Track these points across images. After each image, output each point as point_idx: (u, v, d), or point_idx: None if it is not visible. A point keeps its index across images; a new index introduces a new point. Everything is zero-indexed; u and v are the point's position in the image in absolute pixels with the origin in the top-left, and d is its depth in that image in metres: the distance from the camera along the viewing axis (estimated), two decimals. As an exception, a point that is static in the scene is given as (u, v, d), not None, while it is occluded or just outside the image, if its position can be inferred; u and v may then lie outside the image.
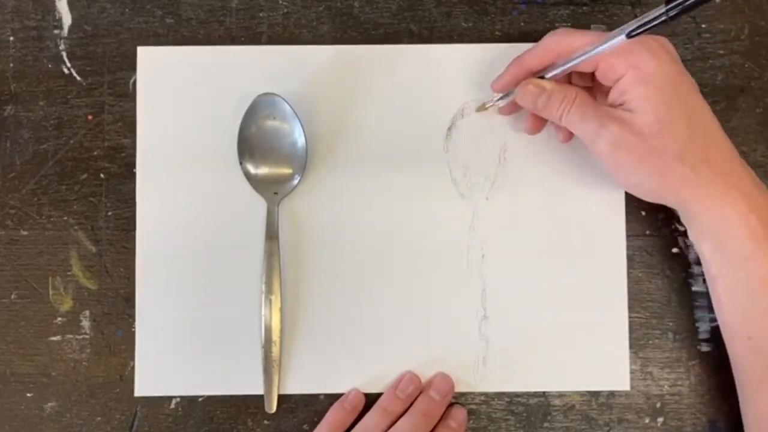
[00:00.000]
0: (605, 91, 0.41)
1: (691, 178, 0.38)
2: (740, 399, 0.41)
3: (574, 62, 0.40)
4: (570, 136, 0.44)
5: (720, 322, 0.41)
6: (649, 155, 0.38)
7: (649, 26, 0.35)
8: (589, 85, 0.43)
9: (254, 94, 0.44)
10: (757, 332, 0.39)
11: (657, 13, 0.34)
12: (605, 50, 0.38)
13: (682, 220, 0.41)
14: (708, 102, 0.46)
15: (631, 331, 0.45)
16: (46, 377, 0.45)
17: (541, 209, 0.45)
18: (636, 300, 0.45)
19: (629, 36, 0.36)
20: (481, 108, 0.45)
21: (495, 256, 0.45)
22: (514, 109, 0.45)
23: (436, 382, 0.44)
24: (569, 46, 0.40)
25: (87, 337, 0.45)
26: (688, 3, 0.32)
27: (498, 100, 0.44)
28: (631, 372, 0.45)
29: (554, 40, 0.41)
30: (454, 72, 0.46)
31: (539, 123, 0.44)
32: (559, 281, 0.45)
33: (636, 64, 0.38)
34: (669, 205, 0.41)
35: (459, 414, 0.44)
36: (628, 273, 0.45)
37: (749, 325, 0.39)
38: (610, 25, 0.46)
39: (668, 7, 0.33)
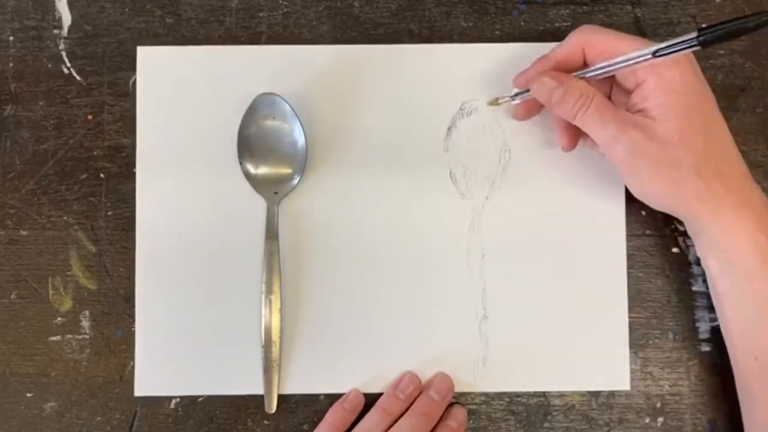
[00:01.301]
0: (623, 91, 0.41)
1: (704, 191, 0.38)
2: (748, 425, 0.40)
3: (597, 72, 0.40)
4: (573, 144, 0.43)
5: (727, 342, 0.41)
6: (666, 165, 0.38)
7: (677, 49, 0.34)
8: (608, 89, 0.42)
9: (254, 94, 0.44)
10: (764, 353, 0.38)
11: (688, 38, 0.34)
12: (629, 65, 0.38)
13: (690, 233, 0.41)
14: (708, 102, 0.46)
15: (631, 331, 0.45)
16: (46, 377, 0.45)
17: (541, 209, 0.45)
18: (636, 300, 0.45)
19: (655, 55, 0.36)
20: (494, 102, 0.45)
21: (495, 256, 0.45)
22: (527, 113, 0.44)
23: (436, 382, 0.44)
24: (594, 44, 0.40)
25: (87, 337, 0.45)
26: (719, 32, 0.32)
27: (513, 95, 0.44)
28: (631, 372, 0.45)
29: (579, 38, 0.41)
30: (454, 72, 0.46)
31: (573, 136, 0.43)
32: (559, 281, 0.45)
33: (659, 71, 0.38)
34: (678, 216, 0.41)
35: (459, 414, 0.44)
36: (628, 273, 0.45)
37: (756, 343, 0.39)
38: (610, 25, 0.46)
39: (699, 34, 0.33)
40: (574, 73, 0.41)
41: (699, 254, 0.41)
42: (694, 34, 0.33)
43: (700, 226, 0.39)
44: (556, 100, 0.40)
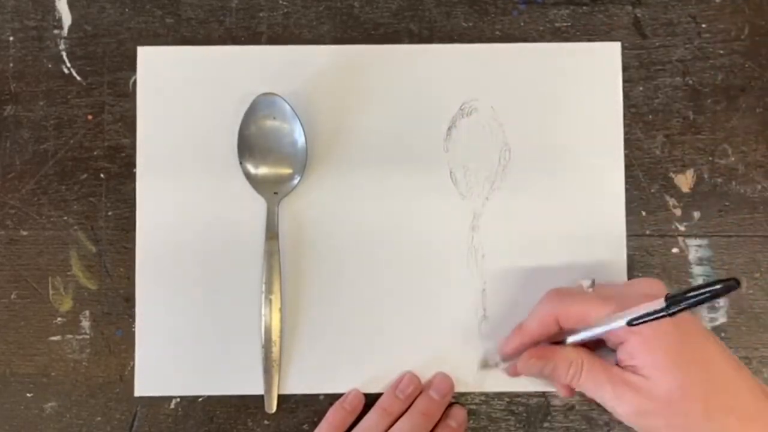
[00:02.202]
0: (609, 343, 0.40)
1: None
2: None
3: (577, 341, 0.40)
4: (572, 393, 0.42)
5: None
6: (675, 419, 0.37)
7: (649, 318, 0.34)
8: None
9: (254, 94, 0.44)
10: None
11: (658, 307, 0.34)
12: (604, 333, 0.38)
13: None
14: (708, 102, 0.46)
15: (631, 331, 0.45)
16: (46, 377, 0.45)
17: (541, 209, 0.45)
18: (636, 300, 0.45)
19: (630, 324, 0.35)
20: (485, 365, 0.45)
21: (495, 256, 0.45)
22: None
23: (436, 382, 0.44)
24: (566, 314, 0.40)
25: (87, 337, 0.45)
26: (689, 302, 0.32)
27: (501, 360, 0.44)
28: (631, 372, 0.45)
29: (549, 309, 0.40)
30: (454, 72, 0.46)
31: (570, 387, 0.42)
32: (559, 281, 0.45)
33: (638, 330, 0.37)
34: None
35: (459, 414, 0.44)
36: (628, 273, 0.45)
37: None
38: (610, 25, 0.46)
39: (668, 303, 0.33)
40: (556, 340, 0.41)
41: None
42: (663, 305, 0.33)
43: None
44: (548, 375, 0.40)
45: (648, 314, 0.35)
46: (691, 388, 0.37)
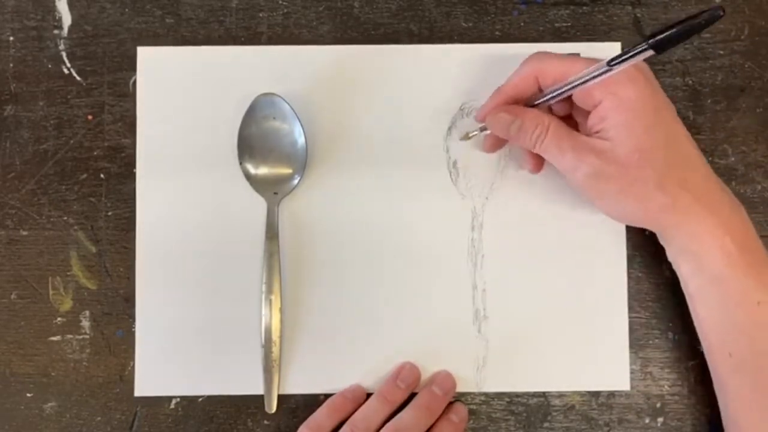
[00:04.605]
0: (584, 114, 0.41)
1: (670, 205, 0.38)
2: (723, 419, 0.41)
3: (553, 95, 0.39)
4: (539, 166, 0.43)
5: (701, 339, 0.41)
6: (630, 185, 0.38)
7: (630, 55, 0.34)
8: (568, 111, 0.42)
9: (254, 94, 0.44)
10: (737, 350, 0.39)
11: (639, 48, 0.33)
12: (588, 82, 0.37)
13: (660, 241, 0.41)
14: (708, 102, 0.46)
15: (631, 331, 0.45)
16: (46, 377, 0.45)
17: (541, 209, 0.45)
18: (636, 300, 0.45)
19: (610, 65, 0.35)
20: (465, 137, 0.45)
21: (495, 256, 0.45)
22: (496, 145, 0.44)
23: (439, 379, 0.44)
24: (547, 71, 0.40)
25: (87, 337, 0.45)
26: (670, 34, 0.31)
27: (481, 129, 0.44)
28: (631, 372, 0.45)
29: (531, 66, 0.40)
30: (454, 72, 0.46)
31: (538, 161, 0.43)
32: (559, 281, 0.45)
33: (614, 90, 0.38)
34: (648, 228, 0.41)
35: (460, 410, 0.44)
36: (628, 273, 0.45)
37: (729, 342, 0.39)
38: (610, 25, 0.46)
39: (649, 37, 0.32)
40: (533, 101, 0.41)
41: (670, 259, 0.41)
42: (645, 42, 0.33)
43: (670, 236, 0.40)
44: (514, 133, 0.41)
45: (629, 50, 0.34)
46: (651, 154, 0.38)
